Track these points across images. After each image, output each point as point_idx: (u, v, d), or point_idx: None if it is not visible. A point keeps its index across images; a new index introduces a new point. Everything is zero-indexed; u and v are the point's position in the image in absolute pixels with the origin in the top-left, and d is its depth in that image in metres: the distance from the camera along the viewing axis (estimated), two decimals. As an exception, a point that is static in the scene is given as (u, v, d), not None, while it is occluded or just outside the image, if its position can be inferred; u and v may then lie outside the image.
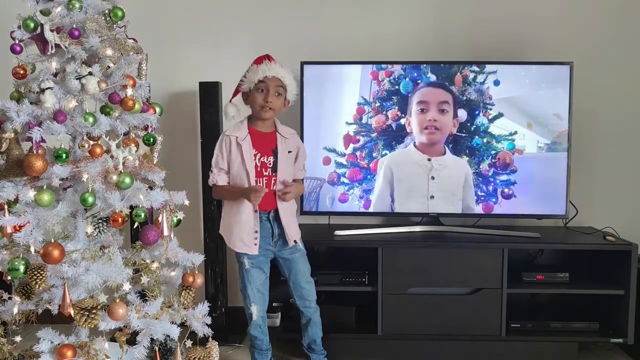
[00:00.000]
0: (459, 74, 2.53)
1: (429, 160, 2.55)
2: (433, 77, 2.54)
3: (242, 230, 2.10)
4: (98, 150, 1.65)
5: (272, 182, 2.12)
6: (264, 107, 2.08)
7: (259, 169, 2.11)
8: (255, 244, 2.10)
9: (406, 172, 2.56)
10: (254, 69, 2.09)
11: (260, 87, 2.08)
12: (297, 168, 2.23)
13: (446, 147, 2.55)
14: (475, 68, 2.53)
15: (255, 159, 2.11)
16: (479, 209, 2.57)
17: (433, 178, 2.54)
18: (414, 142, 2.56)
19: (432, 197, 2.55)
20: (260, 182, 2.10)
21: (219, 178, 2.14)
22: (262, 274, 2.17)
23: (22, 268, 1.55)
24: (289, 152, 2.17)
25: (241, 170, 2.10)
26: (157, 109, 1.89)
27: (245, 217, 2.09)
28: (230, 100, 2.18)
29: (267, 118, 2.12)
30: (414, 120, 2.54)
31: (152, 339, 1.72)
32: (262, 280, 2.17)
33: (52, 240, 1.55)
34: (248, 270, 2.14)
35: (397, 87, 2.55)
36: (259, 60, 2.12)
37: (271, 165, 2.13)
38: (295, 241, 2.16)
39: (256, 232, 2.10)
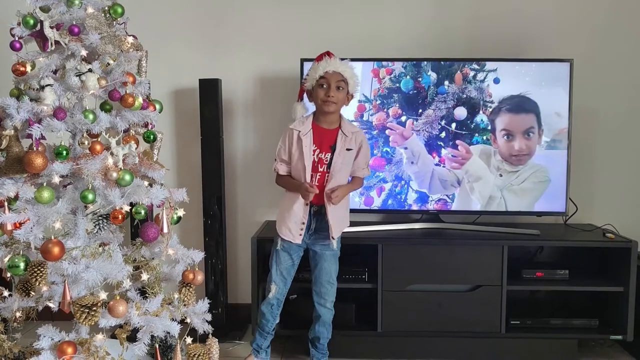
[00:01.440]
0: (459, 71, 2.53)
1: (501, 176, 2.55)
2: (434, 75, 2.53)
3: (291, 220, 2.18)
4: (98, 147, 1.65)
5: (326, 178, 2.16)
6: (326, 101, 2.13)
7: (315, 164, 2.16)
8: (300, 235, 2.18)
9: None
10: (314, 66, 2.16)
11: (321, 82, 2.14)
12: (358, 166, 2.25)
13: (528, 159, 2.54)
14: (475, 66, 2.53)
15: (313, 155, 2.16)
16: (479, 205, 2.57)
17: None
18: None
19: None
20: (314, 178, 2.16)
21: (280, 167, 2.24)
22: (289, 259, 2.23)
23: (22, 265, 1.55)
24: (348, 149, 2.18)
25: (299, 164, 2.16)
26: (157, 106, 1.88)
27: (296, 208, 2.17)
28: (298, 101, 2.24)
29: (330, 112, 2.15)
30: (501, 144, 2.53)
31: (152, 336, 1.72)
32: (287, 265, 2.24)
33: (52, 238, 1.54)
34: (278, 251, 2.23)
35: (397, 85, 2.55)
36: (319, 58, 2.17)
37: (327, 162, 2.17)
38: (333, 237, 2.19)
39: (303, 223, 2.17)
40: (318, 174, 2.17)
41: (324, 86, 2.13)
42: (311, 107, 2.25)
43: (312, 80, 2.16)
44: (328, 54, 2.16)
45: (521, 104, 2.52)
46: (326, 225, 2.18)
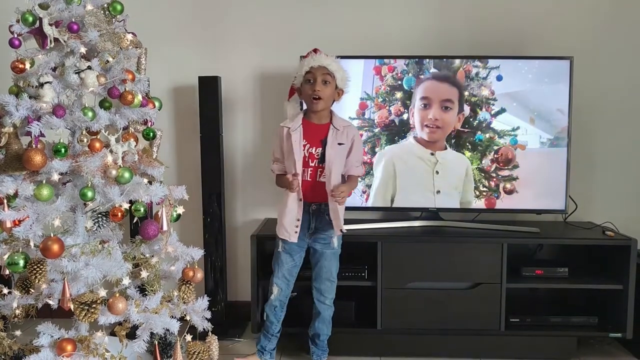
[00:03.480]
0: (461, 69, 2.52)
1: (433, 154, 2.54)
2: (436, 71, 2.53)
3: (286, 218, 2.18)
4: (97, 144, 1.65)
5: (318, 173, 2.17)
6: (312, 96, 2.12)
7: (306, 159, 2.16)
8: (296, 232, 2.18)
9: (410, 166, 2.56)
10: (301, 63, 2.17)
11: (308, 77, 2.15)
12: (351, 163, 2.23)
13: (446, 144, 2.55)
14: (477, 63, 2.52)
15: (304, 150, 2.16)
16: (480, 203, 2.56)
17: (437, 172, 2.54)
18: (415, 136, 2.55)
19: (438, 192, 2.55)
20: (306, 173, 2.17)
21: (274, 167, 2.27)
22: (290, 260, 2.24)
23: (21, 262, 1.55)
24: (340, 144, 2.18)
25: (290, 159, 2.16)
26: (157, 103, 1.88)
27: (290, 206, 2.17)
28: (287, 100, 2.25)
29: (318, 109, 2.16)
30: (417, 115, 2.54)
31: (151, 333, 1.72)
32: (289, 267, 2.24)
33: (52, 235, 1.54)
34: (279, 253, 2.24)
35: (400, 82, 2.54)
36: (306, 56, 2.18)
37: (318, 157, 2.17)
38: (342, 231, 2.20)
39: (298, 220, 2.17)
40: (310, 168, 2.17)
41: (311, 81, 2.13)
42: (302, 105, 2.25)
43: (300, 77, 2.17)
44: (315, 50, 2.17)
45: (448, 76, 2.51)
46: (327, 224, 2.18)
